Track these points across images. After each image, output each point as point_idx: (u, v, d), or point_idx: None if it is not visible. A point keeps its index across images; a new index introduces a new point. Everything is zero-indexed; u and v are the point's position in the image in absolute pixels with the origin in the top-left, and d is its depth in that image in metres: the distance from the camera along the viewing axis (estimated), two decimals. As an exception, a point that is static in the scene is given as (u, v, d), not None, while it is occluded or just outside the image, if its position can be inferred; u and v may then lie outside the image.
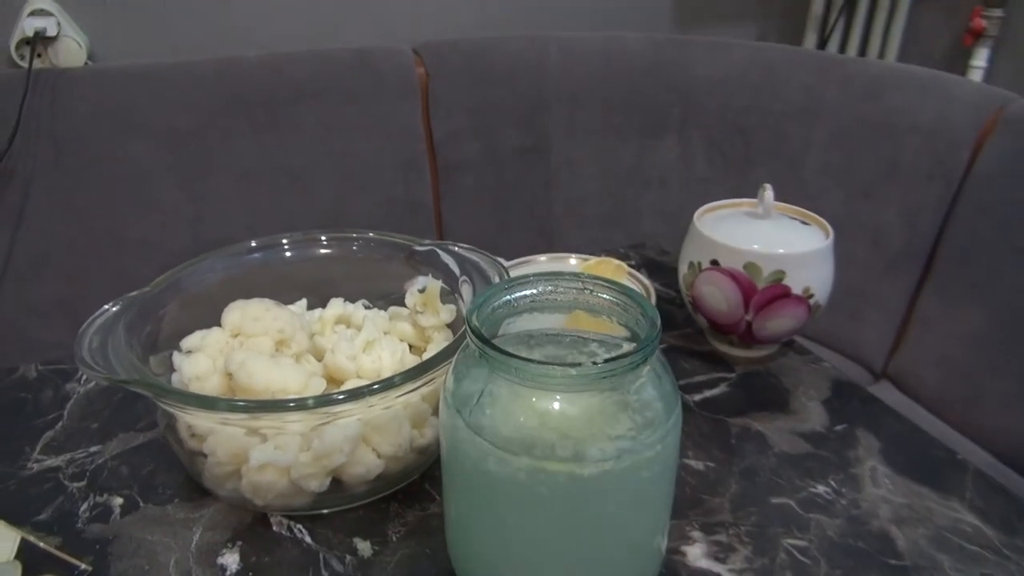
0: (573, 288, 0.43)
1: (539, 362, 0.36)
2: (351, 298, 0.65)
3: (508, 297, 0.42)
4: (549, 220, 1.39)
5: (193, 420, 0.49)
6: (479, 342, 0.37)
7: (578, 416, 0.38)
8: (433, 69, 1.29)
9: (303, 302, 0.64)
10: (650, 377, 0.40)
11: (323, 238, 0.63)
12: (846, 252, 1.07)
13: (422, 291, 0.59)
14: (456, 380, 0.41)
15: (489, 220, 1.39)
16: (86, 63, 1.24)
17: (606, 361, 0.36)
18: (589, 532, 0.40)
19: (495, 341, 0.38)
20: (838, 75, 1.18)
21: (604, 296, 0.42)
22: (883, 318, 1.20)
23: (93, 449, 0.57)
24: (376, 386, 0.47)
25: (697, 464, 0.56)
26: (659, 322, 0.39)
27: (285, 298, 0.60)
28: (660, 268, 0.85)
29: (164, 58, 1.20)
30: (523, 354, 0.36)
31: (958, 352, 1.09)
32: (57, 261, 1.11)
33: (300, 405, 0.47)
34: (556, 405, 0.38)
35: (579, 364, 0.36)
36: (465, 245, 0.62)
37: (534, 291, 0.43)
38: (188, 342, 0.55)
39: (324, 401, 0.46)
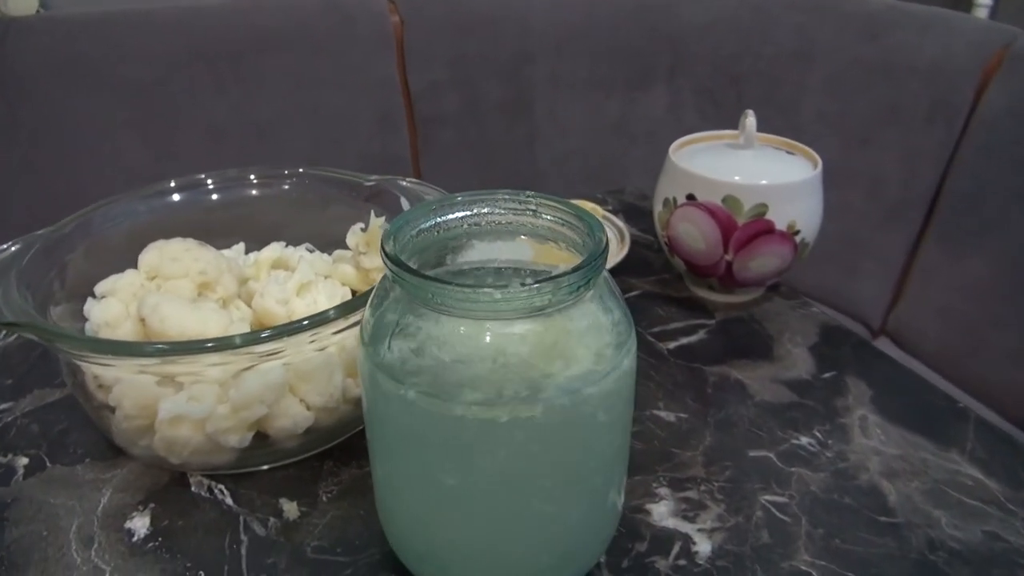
0: (512, 209, 0.37)
1: (460, 285, 0.30)
2: (296, 244, 0.60)
3: (437, 219, 0.37)
4: (534, 177, 1.33)
5: (98, 370, 0.44)
6: (393, 265, 0.32)
7: (513, 351, 0.33)
8: (408, 17, 1.22)
9: (240, 246, 0.59)
10: (597, 305, 0.34)
11: (252, 177, 0.58)
12: (843, 202, 1.01)
13: (364, 229, 0.53)
14: (373, 314, 0.35)
15: (471, 177, 1.33)
16: (38, 11, 1.17)
17: (538, 283, 0.30)
18: (529, 487, 0.34)
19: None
20: (833, 14, 1.12)
21: (547, 217, 0.36)
22: (881, 271, 1.14)
23: (3, 406, 0.52)
24: (306, 322, 0.41)
25: (668, 416, 0.51)
26: (606, 241, 0.33)
27: (218, 244, 0.54)
28: (639, 213, 0.79)
29: (121, 5, 1.13)
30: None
31: (960, 304, 1.03)
32: (17, 222, 1.05)
33: (214, 345, 0.42)
34: (487, 338, 0.33)
35: (505, 286, 0.30)
36: (415, 180, 0.57)
37: (466, 212, 0.37)
38: (102, 286, 0.50)
39: (234, 342, 0.40)
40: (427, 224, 0.36)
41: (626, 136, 1.33)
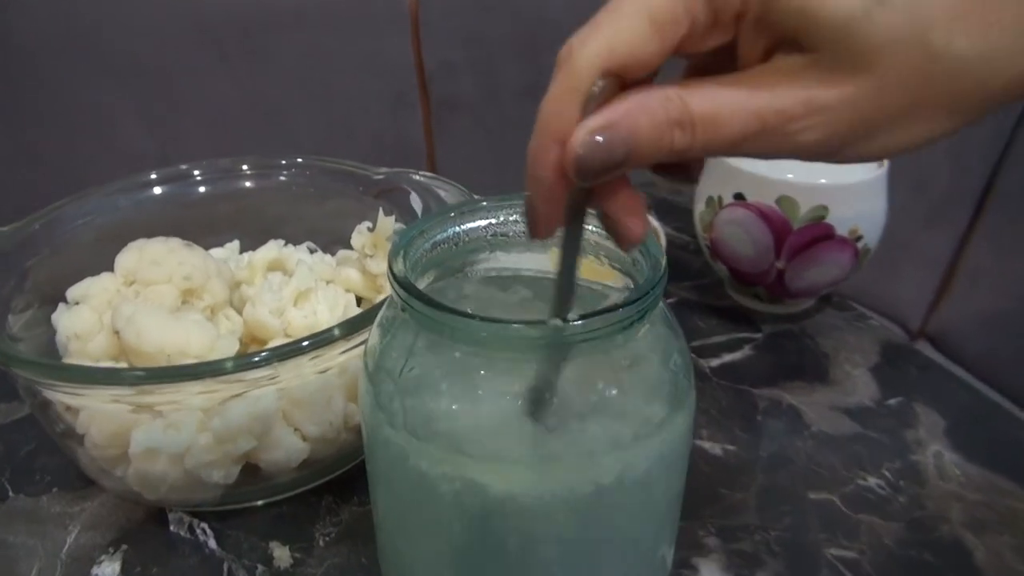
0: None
1: (484, 319, 0.24)
2: (296, 243, 0.54)
3: (456, 229, 0.31)
4: (553, 163, 1.26)
5: (59, 397, 0.38)
6: (401, 290, 0.26)
7: (547, 402, 0.27)
8: (424, -8, 1.15)
9: (234, 244, 0.53)
10: (651, 341, 0.28)
11: (245, 167, 0.51)
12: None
13: (372, 229, 0.47)
14: (381, 339, 0.29)
15: (488, 163, 1.26)
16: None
17: (583, 318, 0.24)
18: (564, 560, 0.28)
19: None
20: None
21: (588, 226, 0.30)
22: (923, 271, 1.07)
23: (-35, 424, 0.47)
24: (306, 343, 0.35)
25: (713, 448, 0.45)
26: (664, 262, 0.27)
27: (207, 244, 0.48)
28: (673, 210, 0.72)
29: (120, -23, 1.06)
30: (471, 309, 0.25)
31: (1009, 308, 0.96)
32: (17, 204, 1.00)
33: (199, 372, 0.36)
34: (513, 383, 0.26)
35: (540, 322, 0.24)
36: (428, 174, 0.51)
37: (491, 220, 0.31)
38: (74, 291, 0.44)
39: (223, 367, 0.34)
40: (444, 235, 0.30)
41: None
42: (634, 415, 0.26)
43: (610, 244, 0.30)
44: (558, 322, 0.24)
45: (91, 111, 1.06)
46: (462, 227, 0.31)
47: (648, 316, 0.26)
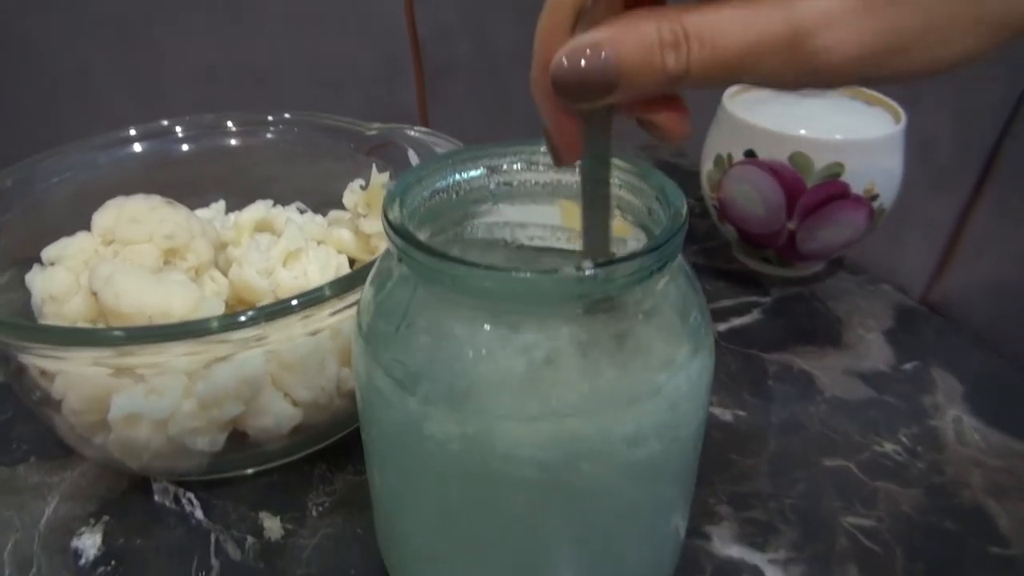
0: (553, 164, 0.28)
1: (488, 267, 0.22)
2: (284, 203, 0.51)
3: (456, 178, 0.28)
4: (551, 131, 1.23)
5: (35, 361, 0.36)
6: (398, 238, 0.23)
7: (559, 354, 0.24)
8: (415, -50, 1.11)
9: (220, 204, 0.50)
10: (670, 295, 0.26)
11: (231, 124, 0.49)
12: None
13: (365, 187, 0.45)
14: (374, 296, 0.27)
15: (483, 130, 1.23)
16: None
17: (599, 265, 0.22)
18: (574, 525, 0.26)
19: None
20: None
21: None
22: (926, 240, 1.05)
23: (-62, 391, 0.44)
24: (295, 302, 0.33)
25: (723, 413, 0.43)
26: (685, 210, 0.25)
27: (190, 204, 0.46)
28: (676, 172, 0.70)
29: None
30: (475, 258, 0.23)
31: (1015, 277, 0.95)
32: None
33: (183, 331, 0.33)
34: (522, 338, 0.24)
35: (553, 271, 0.22)
36: (423, 129, 0.48)
37: (495, 168, 0.29)
38: (49, 251, 0.41)
39: (208, 326, 0.32)
40: (443, 184, 0.28)
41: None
42: (651, 370, 0.24)
43: (625, 195, 0.27)
44: (570, 271, 0.22)
45: (69, 68, 1.02)
46: (463, 175, 0.28)
47: (668, 267, 0.24)
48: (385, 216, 0.24)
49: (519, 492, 0.25)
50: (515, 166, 0.29)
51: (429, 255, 0.22)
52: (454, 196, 0.29)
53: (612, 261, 0.22)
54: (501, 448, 0.24)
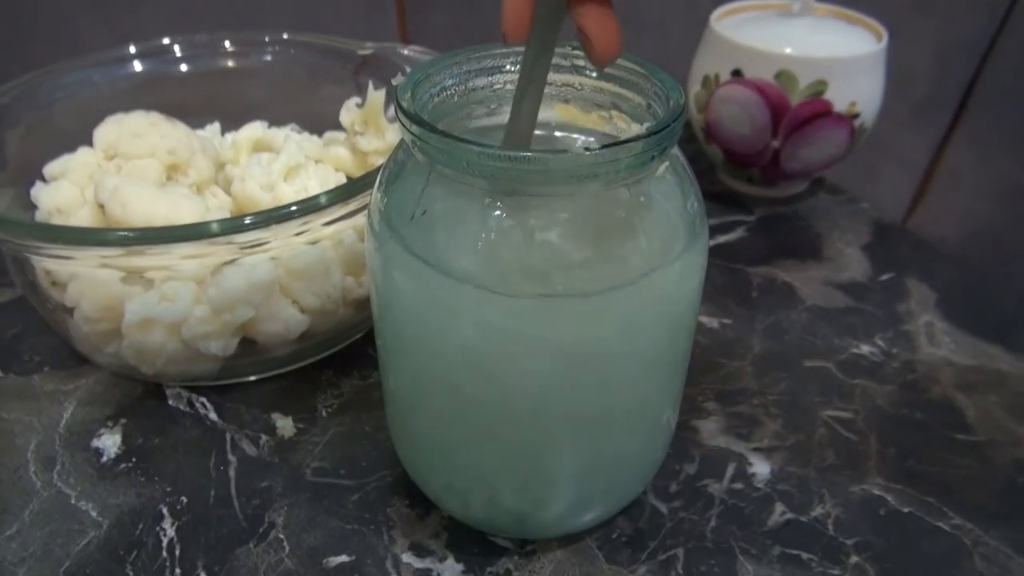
0: (554, 65, 0.30)
1: (504, 148, 0.23)
2: (279, 125, 0.52)
3: (463, 76, 0.29)
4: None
5: (51, 264, 0.37)
6: (413, 124, 0.25)
7: (565, 237, 0.26)
8: None
9: (215, 126, 0.51)
10: (668, 183, 0.27)
11: (227, 44, 0.49)
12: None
13: (361, 105, 0.45)
14: (384, 196, 0.28)
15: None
16: None
17: (604, 147, 0.23)
18: (576, 400, 0.28)
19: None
20: None
21: (608, 74, 0.29)
22: (903, 172, 1.07)
23: (-54, 308, 0.45)
24: (295, 207, 0.34)
25: (710, 321, 0.45)
26: (683, 100, 0.26)
27: (188, 124, 0.46)
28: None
29: None
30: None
31: (987, 208, 0.98)
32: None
33: (187, 232, 0.34)
34: (531, 220, 0.26)
35: (561, 151, 0.23)
36: (417, 48, 0.49)
37: (501, 67, 0.30)
38: (51, 168, 0.42)
39: (211, 228, 0.33)
40: (451, 81, 0.29)
41: (634, 23, 1.23)
42: (650, 254, 0.26)
43: (626, 92, 0.29)
44: (579, 150, 0.23)
45: (47, 9, 1.00)
46: (470, 71, 0.29)
47: (667, 153, 0.25)
48: (399, 106, 0.25)
49: (528, 375, 0.27)
50: (517, 67, 0.30)
51: (444, 137, 0.24)
52: (457, 96, 0.30)
53: (618, 143, 0.23)
54: (511, 326, 0.26)
